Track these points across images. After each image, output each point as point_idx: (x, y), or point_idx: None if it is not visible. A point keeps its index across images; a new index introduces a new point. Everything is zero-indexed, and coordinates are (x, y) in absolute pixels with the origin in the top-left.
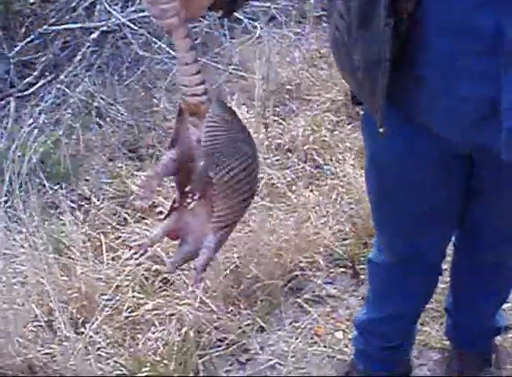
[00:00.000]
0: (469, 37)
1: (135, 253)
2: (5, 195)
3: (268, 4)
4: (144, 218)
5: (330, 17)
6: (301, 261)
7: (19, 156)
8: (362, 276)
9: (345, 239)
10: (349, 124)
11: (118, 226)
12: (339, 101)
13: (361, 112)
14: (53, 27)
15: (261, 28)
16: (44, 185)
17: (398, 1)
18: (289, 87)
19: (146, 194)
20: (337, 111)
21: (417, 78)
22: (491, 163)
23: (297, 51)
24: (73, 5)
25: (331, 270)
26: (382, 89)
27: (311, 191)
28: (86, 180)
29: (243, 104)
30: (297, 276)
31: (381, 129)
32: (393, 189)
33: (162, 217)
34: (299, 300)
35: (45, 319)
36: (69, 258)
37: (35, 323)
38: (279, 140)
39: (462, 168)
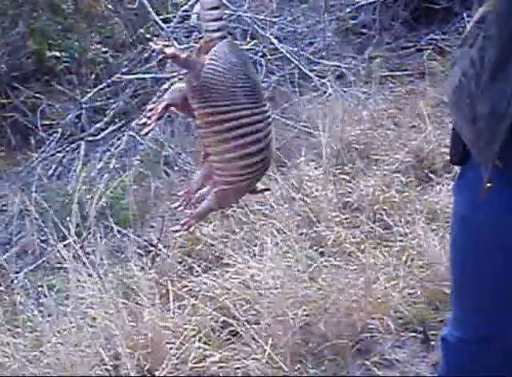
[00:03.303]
0: None
1: (179, 205)
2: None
3: (338, 62)
4: (210, 269)
5: (457, 63)
6: (370, 323)
7: (87, 199)
8: (433, 342)
9: (415, 303)
10: (417, 186)
11: (184, 275)
12: (408, 162)
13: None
14: (126, 76)
15: (332, 87)
16: (112, 229)
17: None
18: (357, 146)
19: (152, 113)
20: (405, 172)
21: None
22: None
23: (365, 110)
24: (145, 55)
25: (401, 334)
26: (500, 142)
27: (380, 251)
28: (152, 226)
29: (312, 161)
30: (366, 337)
31: (488, 184)
32: (484, 255)
33: (228, 269)
34: (367, 362)
35: (112, 363)
36: (137, 303)
37: (102, 367)
38: (348, 199)
39: None
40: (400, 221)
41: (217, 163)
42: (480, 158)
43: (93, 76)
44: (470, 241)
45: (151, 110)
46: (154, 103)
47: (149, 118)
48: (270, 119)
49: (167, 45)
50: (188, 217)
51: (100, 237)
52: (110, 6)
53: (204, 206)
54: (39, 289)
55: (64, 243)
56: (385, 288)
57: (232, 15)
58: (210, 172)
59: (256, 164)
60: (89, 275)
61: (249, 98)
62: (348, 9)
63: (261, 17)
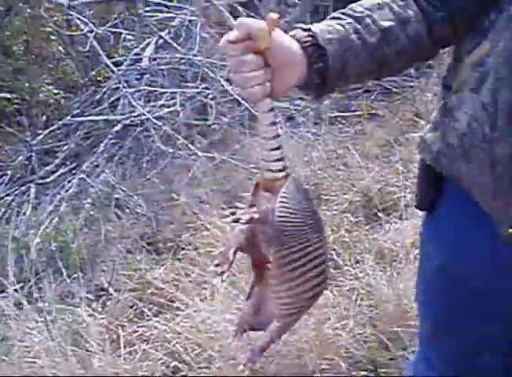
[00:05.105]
0: None
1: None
2: (19, 283)
3: (287, 104)
4: (161, 312)
5: (455, 110)
6: (321, 364)
7: (37, 243)
8: None
9: (365, 343)
10: (366, 225)
11: (135, 319)
12: (357, 202)
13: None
14: (77, 118)
15: (281, 128)
16: (61, 274)
17: None
18: (307, 186)
19: (223, 261)
20: (354, 211)
21: None
22: None
23: (315, 151)
24: (97, 97)
25: (353, 373)
26: None
27: (330, 291)
28: (103, 271)
29: None
30: None
31: (510, 230)
32: (463, 304)
33: (179, 312)
34: None
35: None
36: (86, 350)
37: None
38: None
39: None
40: (350, 261)
41: (282, 299)
42: (497, 204)
43: (44, 118)
44: (450, 288)
45: (221, 258)
46: (223, 250)
47: (219, 265)
48: (327, 244)
49: (236, 215)
50: (250, 353)
51: (49, 282)
52: (61, 48)
53: (266, 340)
54: None
55: (6, 290)
56: (336, 328)
57: (182, 58)
58: (260, 303)
59: (319, 293)
60: (36, 322)
61: (316, 233)
62: None
63: (212, 60)
